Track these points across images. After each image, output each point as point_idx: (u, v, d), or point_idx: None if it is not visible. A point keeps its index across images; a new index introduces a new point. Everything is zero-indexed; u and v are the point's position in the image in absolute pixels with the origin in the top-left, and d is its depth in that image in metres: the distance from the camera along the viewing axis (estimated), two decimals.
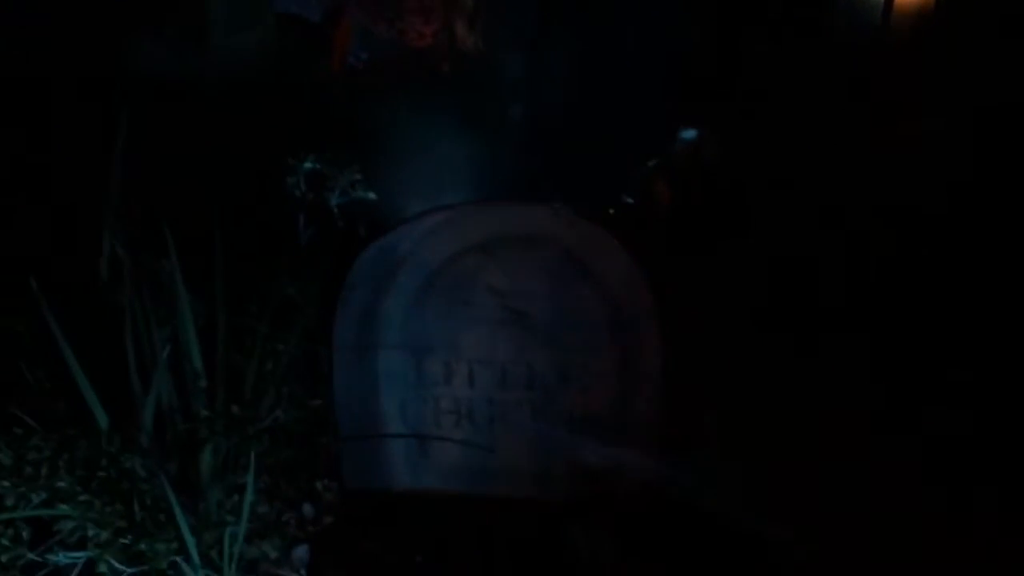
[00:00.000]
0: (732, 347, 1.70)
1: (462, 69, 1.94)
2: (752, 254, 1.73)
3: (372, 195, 1.67)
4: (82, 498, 1.27)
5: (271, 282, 1.49)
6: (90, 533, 1.25)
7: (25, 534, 1.26)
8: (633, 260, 1.60)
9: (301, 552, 1.42)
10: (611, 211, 1.79)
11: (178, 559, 1.29)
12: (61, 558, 1.26)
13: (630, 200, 1.83)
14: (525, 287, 1.59)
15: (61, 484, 1.27)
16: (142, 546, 1.26)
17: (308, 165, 1.70)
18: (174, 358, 1.37)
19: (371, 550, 1.46)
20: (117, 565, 1.25)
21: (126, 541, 1.26)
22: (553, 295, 1.60)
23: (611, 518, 1.54)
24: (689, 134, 1.83)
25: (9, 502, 1.24)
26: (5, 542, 1.24)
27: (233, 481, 1.35)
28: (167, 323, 1.39)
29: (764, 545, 1.45)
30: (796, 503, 1.49)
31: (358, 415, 1.59)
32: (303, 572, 1.40)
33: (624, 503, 1.55)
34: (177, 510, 1.25)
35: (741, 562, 1.47)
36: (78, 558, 1.27)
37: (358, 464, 1.59)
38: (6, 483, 1.24)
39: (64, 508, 1.27)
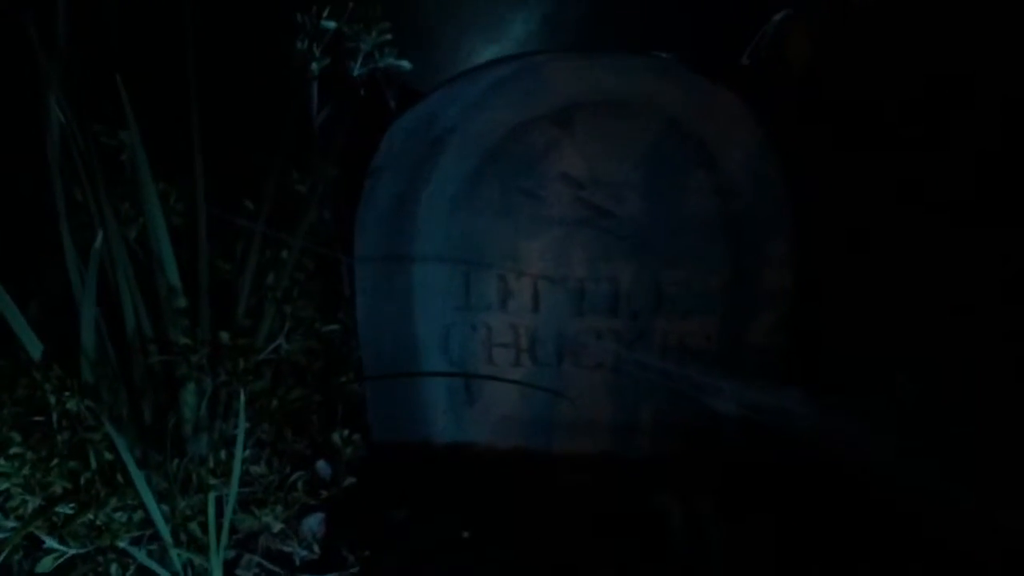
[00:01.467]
0: (886, 262, 1.34)
1: None
2: (924, 135, 1.32)
3: (406, 64, 1.35)
4: (14, 450, 1.01)
5: (271, 168, 1.19)
6: (15, 501, 1.00)
7: None
8: (766, 137, 1.24)
9: (313, 522, 1.24)
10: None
11: (144, 534, 1.05)
12: None
13: (747, 61, 1.45)
14: (612, 174, 1.29)
15: None
16: (90, 517, 1.00)
17: (322, 24, 1.37)
18: (146, 270, 1.10)
19: (403, 520, 1.29)
20: (57, 545, 0.98)
21: (67, 510, 0.99)
22: (650, 185, 1.29)
23: (714, 482, 1.33)
24: None
25: None
26: None
27: (223, 431, 1.13)
28: (132, 222, 1.13)
29: (916, 522, 1.21)
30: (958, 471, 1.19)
31: (387, 347, 1.35)
32: (316, 547, 1.20)
33: (731, 463, 1.34)
34: (132, 468, 0.99)
35: (883, 541, 1.23)
36: (11, 529, 1.01)
37: (387, 410, 1.38)
38: None
39: None
